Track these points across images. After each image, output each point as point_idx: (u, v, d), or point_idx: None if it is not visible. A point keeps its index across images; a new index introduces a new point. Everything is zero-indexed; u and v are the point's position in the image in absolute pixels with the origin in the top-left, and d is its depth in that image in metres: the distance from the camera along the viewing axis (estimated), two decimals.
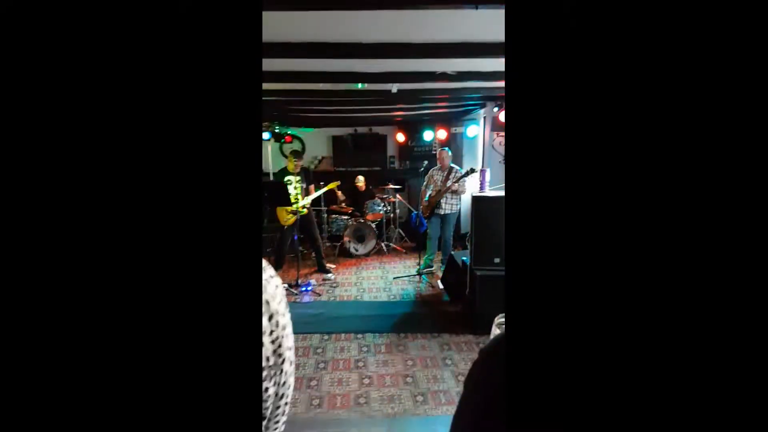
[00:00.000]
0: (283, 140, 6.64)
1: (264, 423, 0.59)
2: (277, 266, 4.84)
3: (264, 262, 0.57)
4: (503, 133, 5.12)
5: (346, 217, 6.16)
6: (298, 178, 4.70)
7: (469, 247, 3.80)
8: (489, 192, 3.81)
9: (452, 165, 4.71)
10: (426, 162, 5.38)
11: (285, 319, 0.58)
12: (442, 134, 6.11)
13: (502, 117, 4.90)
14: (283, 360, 0.58)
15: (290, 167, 4.71)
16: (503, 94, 4.29)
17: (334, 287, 4.73)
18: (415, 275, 4.98)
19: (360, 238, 5.85)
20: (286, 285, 4.38)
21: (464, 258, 3.93)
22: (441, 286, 4.52)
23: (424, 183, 4.92)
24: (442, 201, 4.65)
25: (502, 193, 3.57)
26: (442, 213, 4.69)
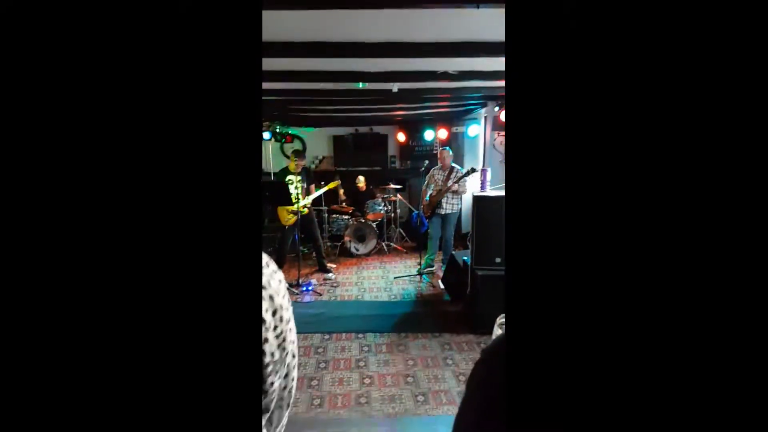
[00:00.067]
0: (283, 140, 6.64)
1: (267, 415, 0.59)
2: (278, 266, 4.81)
3: (266, 257, 0.58)
4: (504, 133, 5.12)
5: (346, 216, 6.15)
6: (299, 177, 4.70)
7: (470, 246, 3.81)
8: (490, 192, 3.82)
9: (453, 165, 4.71)
10: (427, 162, 5.37)
11: (288, 313, 0.59)
12: (443, 134, 6.11)
13: (503, 116, 4.89)
14: (287, 353, 0.59)
15: (292, 167, 4.70)
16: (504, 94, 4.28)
17: (335, 287, 4.73)
18: (415, 275, 4.98)
19: (361, 238, 5.85)
20: (286, 284, 4.39)
21: (465, 258, 3.94)
22: (442, 286, 4.51)
23: (425, 183, 4.92)
24: (443, 201, 4.65)
25: (503, 192, 3.56)
26: (443, 213, 4.69)
